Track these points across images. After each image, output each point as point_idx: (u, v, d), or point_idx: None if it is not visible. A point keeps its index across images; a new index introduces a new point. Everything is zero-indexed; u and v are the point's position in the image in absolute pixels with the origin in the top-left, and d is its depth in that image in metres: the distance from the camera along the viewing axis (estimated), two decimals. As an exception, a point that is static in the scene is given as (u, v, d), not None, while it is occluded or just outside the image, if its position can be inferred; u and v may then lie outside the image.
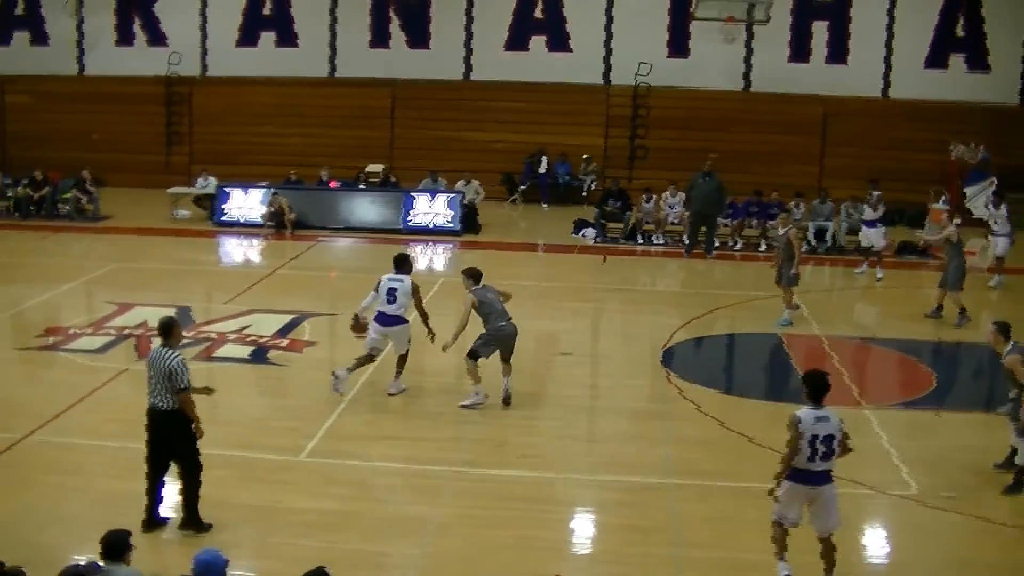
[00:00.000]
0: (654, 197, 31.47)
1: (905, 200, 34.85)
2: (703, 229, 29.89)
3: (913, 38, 37.02)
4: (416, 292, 17.49)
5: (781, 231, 23.43)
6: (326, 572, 8.86)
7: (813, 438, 11.58)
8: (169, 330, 12.78)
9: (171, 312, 16.80)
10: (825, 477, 11.80)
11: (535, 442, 16.06)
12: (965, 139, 35.49)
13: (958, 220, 24.64)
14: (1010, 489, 14.88)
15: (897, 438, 16.68)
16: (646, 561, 12.68)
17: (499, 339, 17.22)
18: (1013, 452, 15.12)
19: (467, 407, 17.14)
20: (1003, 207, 27.14)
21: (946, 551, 13.38)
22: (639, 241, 30.90)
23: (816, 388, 11.77)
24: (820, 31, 37.10)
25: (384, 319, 17.45)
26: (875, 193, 28.21)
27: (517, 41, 37.26)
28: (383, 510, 13.64)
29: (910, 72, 37.09)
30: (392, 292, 17.40)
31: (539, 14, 37.21)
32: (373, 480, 14.60)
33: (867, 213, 27.99)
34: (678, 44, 37.01)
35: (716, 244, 30.03)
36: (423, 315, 17.54)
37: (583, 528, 13.75)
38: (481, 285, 17.33)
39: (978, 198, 34.47)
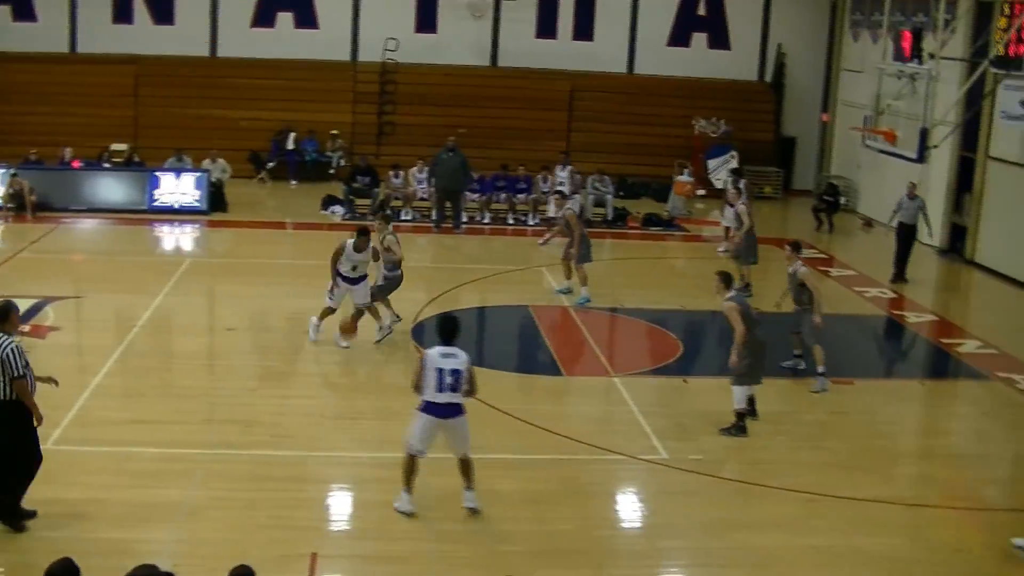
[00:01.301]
0: (403, 173, 31.50)
1: (651, 174, 35.76)
2: (450, 204, 30.10)
3: (657, 16, 37.97)
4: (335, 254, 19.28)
5: (558, 212, 23.79)
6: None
7: (440, 371, 12.82)
8: (5, 315, 12.22)
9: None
10: (454, 409, 12.95)
11: (286, 421, 15.95)
12: (707, 114, 36.70)
13: (743, 199, 25.32)
14: (727, 431, 16.17)
15: (645, 405, 17.18)
16: (405, 536, 12.76)
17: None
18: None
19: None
20: (742, 181, 28.04)
21: (699, 512, 13.85)
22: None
23: (444, 329, 13.20)
24: (567, 8, 37.69)
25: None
26: (567, 168, 28.67)
27: (264, 17, 36.75)
28: (134, 496, 13.28)
29: (654, 49, 38.03)
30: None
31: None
32: (124, 466, 14.18)
33: (559, 173, 28.38)
34: (426, 20, 37.10)
35: (464, 219, 30.28)
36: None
37: (340, 506, 13.74)
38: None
39: (720, 170, 35.62)
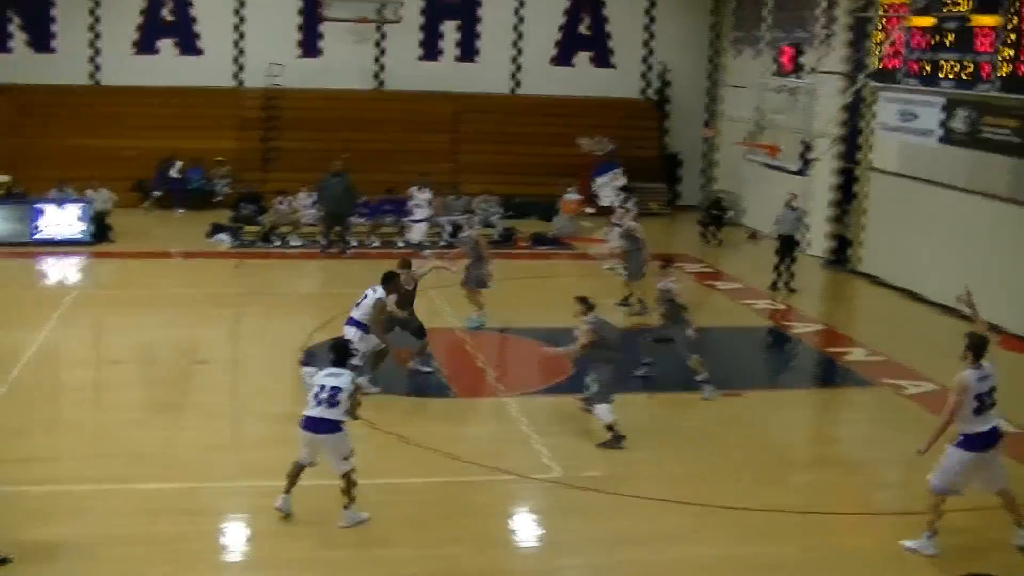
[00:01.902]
0: (289, 199, 31.32)
1: (537, 193, 35.93)
2: (337, 228, 30.02)
3: (540, 36, 38.24)
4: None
5: (466, 233, 23.78)
6: None
7: (320, 387, 13.38)
8: None
9: None
10: (324, 425, 13.32)
11: (177, 453, 15.76)
12: (592, 132, 37.00)
13: (631, 216, 25.47)
14: (605, 444, 16.42)
15: (537, 424, 17.26)
16: (300, 564, 12.71)
17: None
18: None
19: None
20: (631, 200, 28.21)
21: (592, 528, 13.93)
22: (275, 243, 30.72)
23: (333, 353, 13.87)
24: (450, 30, 37.83)
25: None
26: (426, 191, 28.55)
27: (145, 44, 36.38)
28: (25, 536, 12.87)
29: (538, 69, 38.30)
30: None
31: (168, 16, 36.43)
32: (14, 505, 13.76)
33: (416, 212, 28.22)
34: (310, 45, 37.00)
35: (352, 243, 30.19)
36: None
37: (234, 536, 13.58)
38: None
39: (606, 188, 35.90)
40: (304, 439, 13.48)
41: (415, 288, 19.91)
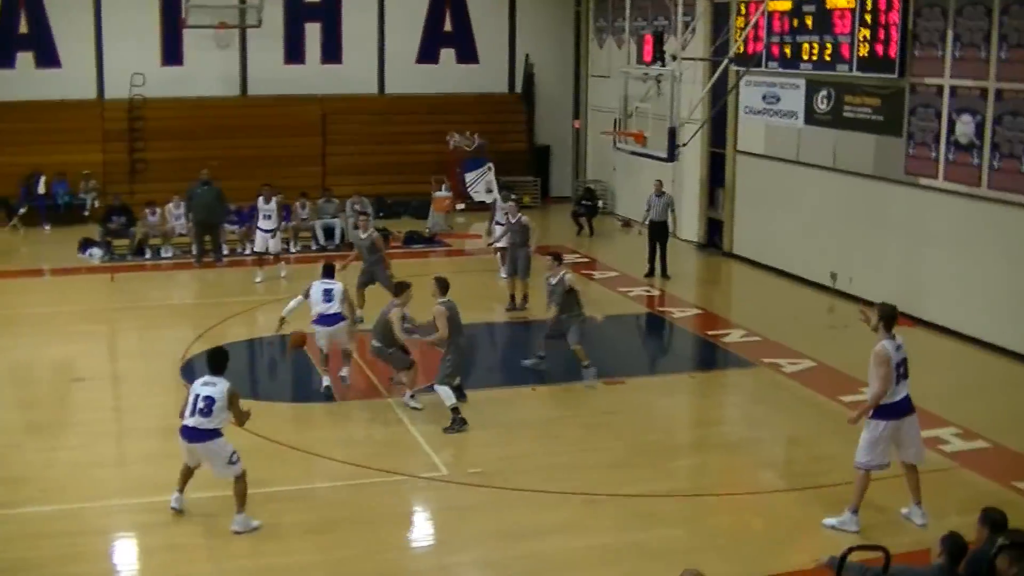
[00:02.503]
0: (158, 210, 30.87)
1: (409, 192, 35.85)
2: (209, 238, 29.68)
3: (404, 35, 38.04)
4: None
5: (363, 235, 23.53)
6: None
7: (196, 396, 13.45)
8: None
9: None
10: (200, 434, 13.42)
11: (56, 474, 15.43)
12: (461, 128, 36.89)
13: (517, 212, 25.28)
14: (449, 429, 16.89)
15: (422, 423, 17.23)
16: (188, 579, 12.54)
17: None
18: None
19: None
20: (511, 201, 27.83)
21: (482, 524, 13.96)
22: (147, 256, 30.25)
23: (210, 361, 13.91)
24: (313, 33, 37.48)
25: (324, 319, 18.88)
26: (274, 199, 28.18)
27: (2, 58, 35.55)
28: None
29: (403, 68, 38.11)
30: (327, 292, 18.85)
31: (24, 28, 35.53)
32: None
33: (262, 222, 27.91)
34: (172, 53, 36.38)
35: (225, 251, 29.84)
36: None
37: (122, 554, 13.36)
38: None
39: (478, 183, 35.94)
40: (183, 448, 13.66)
41: None
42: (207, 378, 13.62)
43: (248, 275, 27.65)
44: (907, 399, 13.57)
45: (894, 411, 13.46)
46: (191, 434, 13.45)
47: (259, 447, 15.86)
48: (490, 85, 38.85)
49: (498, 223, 26.96)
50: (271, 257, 27.76)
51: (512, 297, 24.45)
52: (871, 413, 13.50)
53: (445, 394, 17.07)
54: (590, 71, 38.37)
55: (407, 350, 18.29)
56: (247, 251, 30.24)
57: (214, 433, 13.42)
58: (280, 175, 33.27)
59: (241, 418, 13.72)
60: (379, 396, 18.72)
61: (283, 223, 29.25)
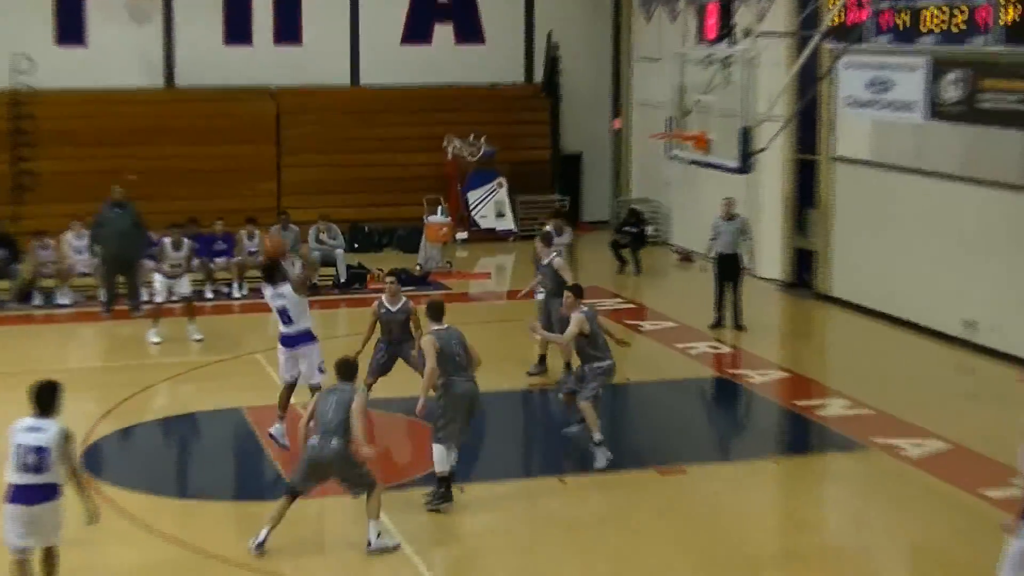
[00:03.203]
0: (52, 241, 30.59)
1: (393, 217, 35.67)
2: (123, 278, 29.40)
3: (385, 7, 38.09)
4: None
5: (395, 307, 22.93)
6: None
7: (19, 447, 13.37)
8: None
9: None
10: (36, 493, 13.34)
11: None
12: (462, 131, 36.74)
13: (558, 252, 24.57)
14: (430, 504, 17.38)
15: (410, 528, 16.86)
16: None
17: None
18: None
19: None
20: (567, 233, 27.04)
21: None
22: (37, 302, 29.94)
23: (37, 397, 13.76)
24: (263, 3, 37.46)
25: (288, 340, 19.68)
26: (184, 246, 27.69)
27: None
28: None
29: (384, 50, 38.14)
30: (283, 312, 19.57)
31: None
32: None
33: (170, 253, 27.40)
34: (70, 29, 36.40)
35: (144, 296, 29.53)
36: None
37: None
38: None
39: (485, 205, 35.72)
40: (9, 515, 13.43)
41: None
42: (34, 422, 13.50)
43: (177, 327, 27.38)
44: None
45: None
46: (22, 495, 13.29)
47: (185, 562, 15.74)
48: (501, 73, 38.83)
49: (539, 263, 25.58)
50: (178, 306, 27.46)
51: (541, 358, 24.09)
52: None
53: (439, 456, 17.25)
54: (635, 53, 38.26)
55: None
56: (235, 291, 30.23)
57: (53, 491, 13.38)
58: (220, 195, 33.14)
59: (74, 473, 13.59)
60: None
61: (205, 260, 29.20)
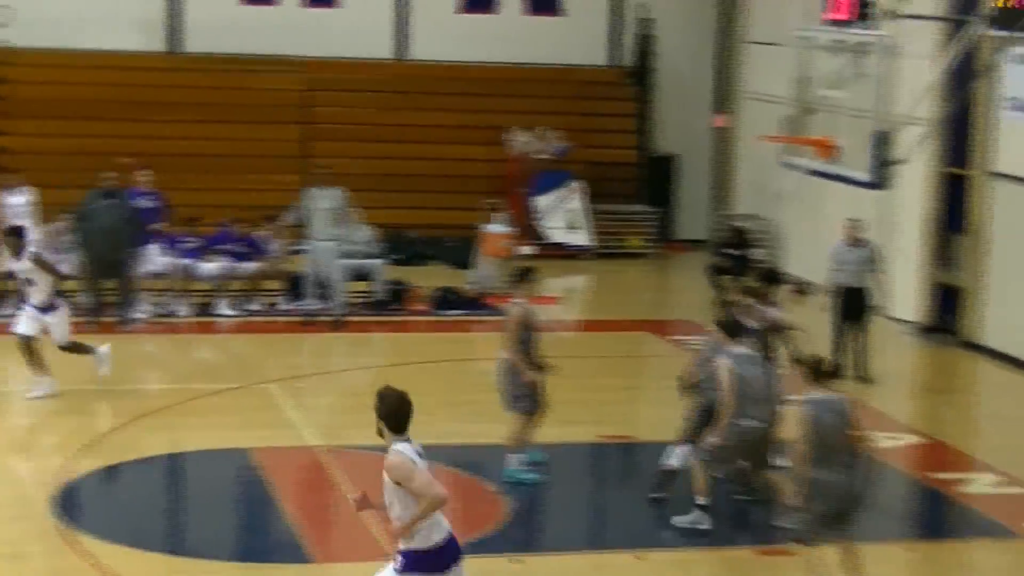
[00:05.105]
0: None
1: (443, 222, 35.72)
2: (113, 284, 29.66)
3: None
4: None
5: None
6: None
7: None
8: None
9: None
10: None
11: None
12: (529, 122, 36.79)
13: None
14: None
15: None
16: None
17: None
18: None
19: None
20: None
21: None
22: (5, 312, 30.02)
23: None
24: (291, -46, 37.78)
25: None
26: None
27: None
28: None
29: (438, 20, 38.40)
30: None
31: None
32: None
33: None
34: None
35: (141, 309, 29.63)
36: None
37: None
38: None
39: (555, 213, 35.75)
40: None
41: None
42: None
43: (176, 346, 27.53)
44: None
45: None
46: None
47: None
48: (580, 54, 39.01)
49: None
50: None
51: None
52: None
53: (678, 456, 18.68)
54: (744, 35, 38.26)
55: None
56: (182, 308, 30.24)
57: None
58: (234, 187, 33.25)
59: None
60: (381, 555, 18.29)
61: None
